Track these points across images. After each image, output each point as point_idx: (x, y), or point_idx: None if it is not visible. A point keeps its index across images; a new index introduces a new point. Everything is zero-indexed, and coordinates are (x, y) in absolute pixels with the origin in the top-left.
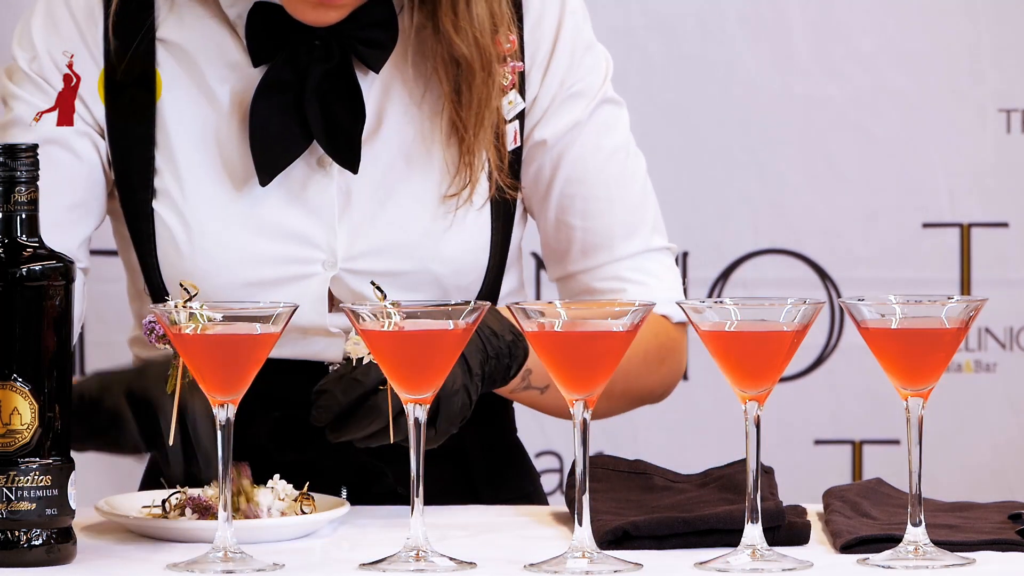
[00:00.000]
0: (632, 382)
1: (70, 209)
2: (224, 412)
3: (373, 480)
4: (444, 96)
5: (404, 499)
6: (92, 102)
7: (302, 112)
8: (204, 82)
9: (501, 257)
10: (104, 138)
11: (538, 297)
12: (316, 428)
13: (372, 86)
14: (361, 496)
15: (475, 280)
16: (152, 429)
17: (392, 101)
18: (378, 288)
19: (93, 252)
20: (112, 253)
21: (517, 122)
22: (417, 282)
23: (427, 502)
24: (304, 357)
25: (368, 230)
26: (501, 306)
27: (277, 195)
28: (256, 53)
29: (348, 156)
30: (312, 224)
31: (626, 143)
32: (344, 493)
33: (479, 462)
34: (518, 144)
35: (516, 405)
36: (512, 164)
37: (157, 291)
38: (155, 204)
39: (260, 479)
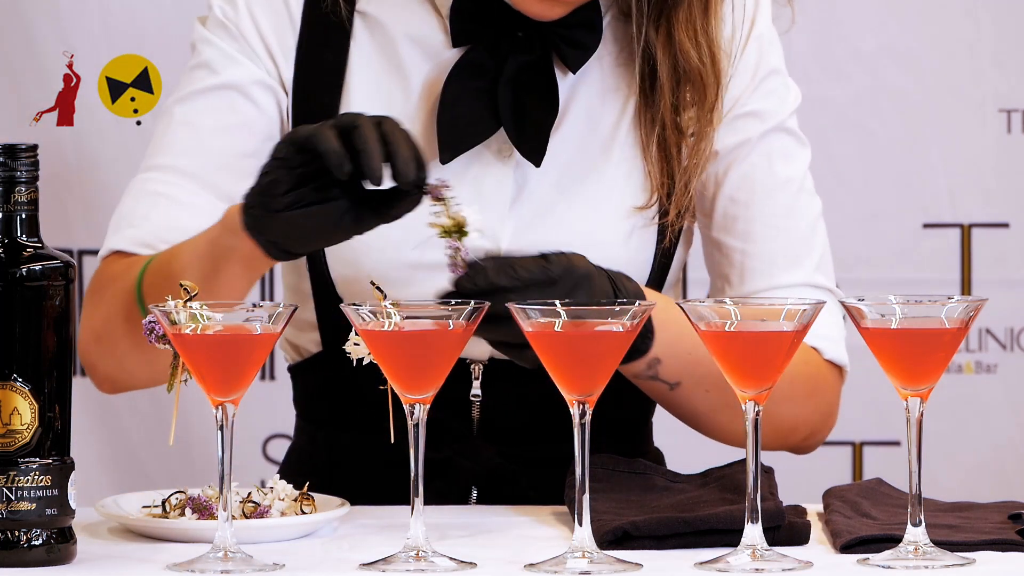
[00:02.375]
0: (776, 404)
1: (243, 156)
2: (223, 412)
3: (504, 483)
4: (663, 109)
5: (535, 501)
6: (283, 63)
7: (494, 99)
8: (396, 58)
9: (662, 272)
10: (288, 98)
11: None
12: (454, 429)
13: (568, 85)
14: (491, 498)
15: None
16: (349, 142)
17: (586, 103)
18: (378, 288)
19: (93, 252)
20: None
21: None
22: None
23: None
24: None
25: (536, 225)
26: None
27: (452, 179)
28: (457, 35)
29: (533, 149)
30: (482, 212)
31: (801, 179)
32: (475, 494)
33: None
34: None
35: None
36: None
37: (319, 271)
38: None
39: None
